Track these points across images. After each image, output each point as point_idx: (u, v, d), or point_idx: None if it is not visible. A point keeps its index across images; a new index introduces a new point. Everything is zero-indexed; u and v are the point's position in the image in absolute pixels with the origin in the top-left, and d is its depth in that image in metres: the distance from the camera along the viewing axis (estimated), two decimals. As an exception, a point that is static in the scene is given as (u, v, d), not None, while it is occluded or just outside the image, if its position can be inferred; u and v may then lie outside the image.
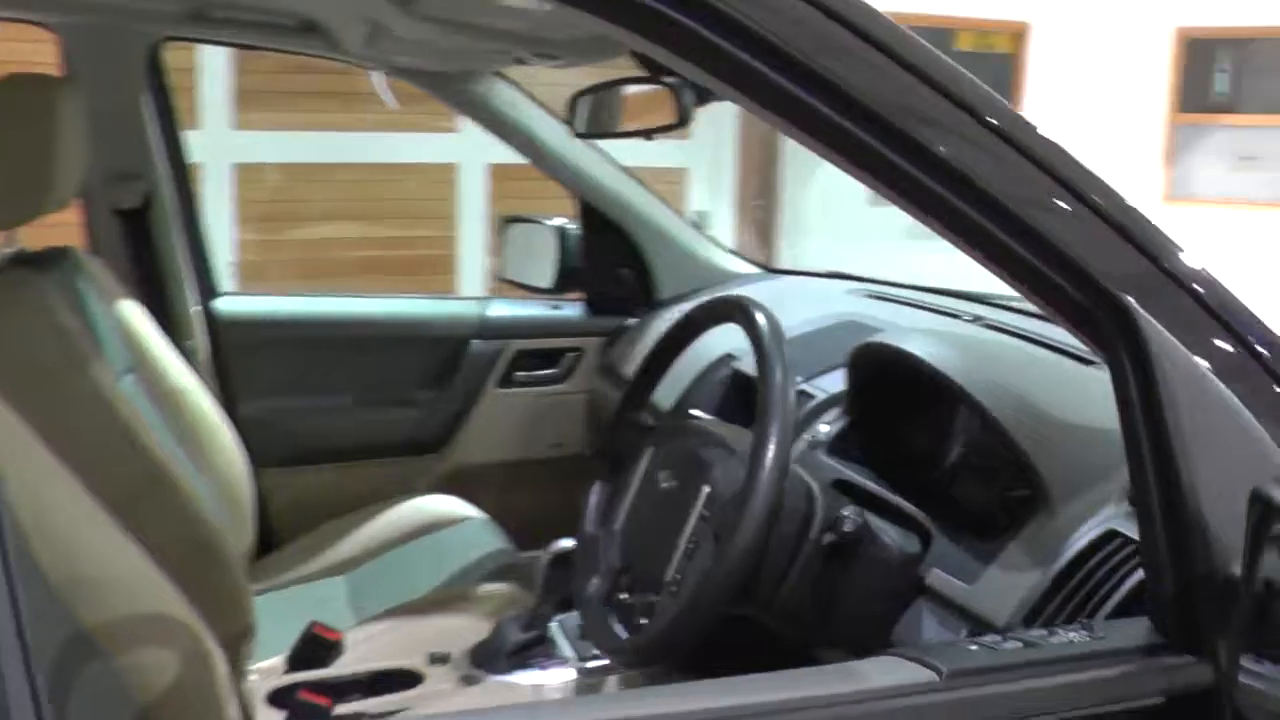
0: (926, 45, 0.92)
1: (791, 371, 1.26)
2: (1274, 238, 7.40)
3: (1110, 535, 1.15)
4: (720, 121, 6.30)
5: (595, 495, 1.54)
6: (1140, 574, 1.10)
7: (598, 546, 1.46)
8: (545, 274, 2.49)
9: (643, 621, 1.30)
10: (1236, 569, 0.92)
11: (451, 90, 2.20)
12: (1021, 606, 1.15)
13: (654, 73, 1.47)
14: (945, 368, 1.38)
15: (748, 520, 1.18)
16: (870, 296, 2.19)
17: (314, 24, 1.82)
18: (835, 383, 1.69)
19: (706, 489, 1.30)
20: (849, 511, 1.27)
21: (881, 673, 0.88)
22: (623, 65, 1.56)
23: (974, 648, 0.94)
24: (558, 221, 2.50)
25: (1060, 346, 1.60)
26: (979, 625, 1.20)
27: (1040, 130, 0.94)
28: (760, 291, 2.37)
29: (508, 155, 2.36)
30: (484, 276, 6.07)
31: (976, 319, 1.88)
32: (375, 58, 2.01)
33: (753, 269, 2.60)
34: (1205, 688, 0.92)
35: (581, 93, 1.72)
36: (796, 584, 1.27)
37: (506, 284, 2.61)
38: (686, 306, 1.59)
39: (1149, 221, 0.96)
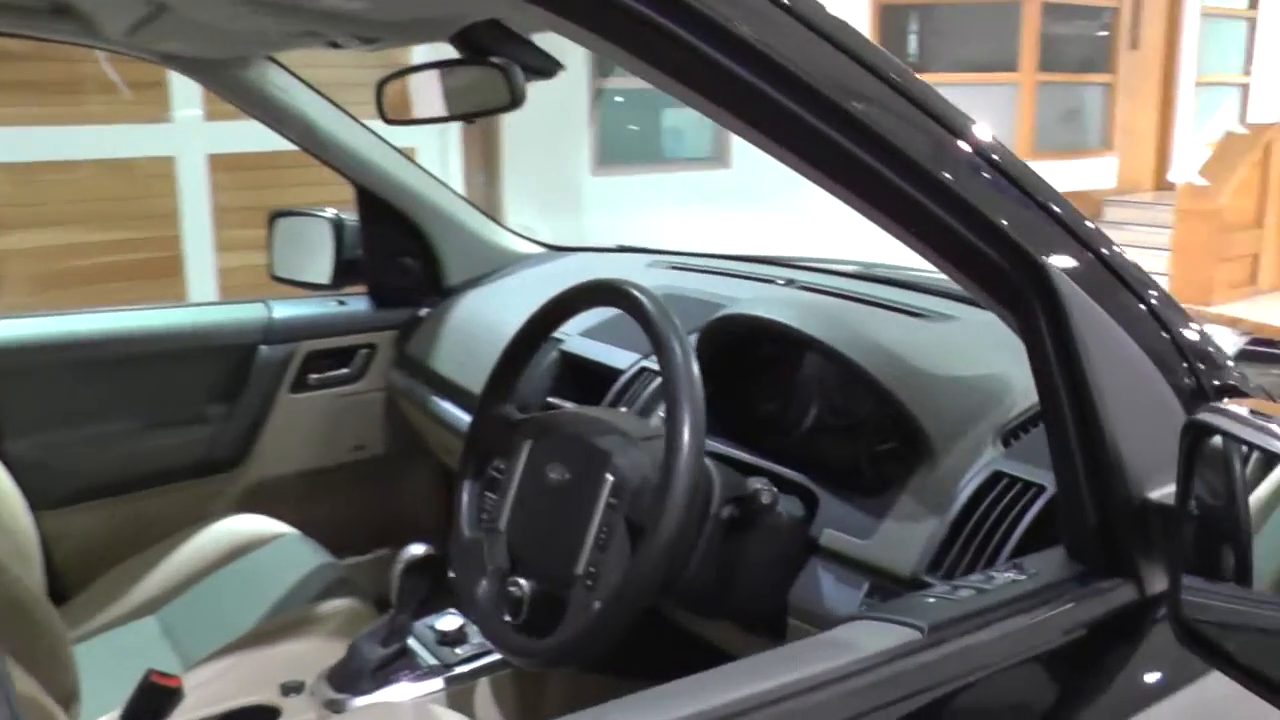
0: (851, 26, 0.92)
1: (690, 349, 1.25)
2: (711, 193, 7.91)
3: (997, 476, 1.21)
4: (444, 98, 6.16)
5: (466, 495, 1.47)
6: (1033, 510, 1.16)
7: (479, 549, 1.39)
8: (322, 269, 2.37)
9: (552, 620, 1.25)
10: (1154, 496, 0.98)
11: (220, 77, 2.03)
12: (925, 554, 1.19)
13: (478, 54, 1.41)
14: (814, 332, 1.40)
15: (671, 506, 1.15)
16: (674, 268, 2.20)
17: (67, 7, 1.63)
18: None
19: (610, 478, 1.25)
20: (759, 484, 1.27)
21: (868, 639, 0.88)
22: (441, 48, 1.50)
23: (932, 600, 0.97)
24: (330, 213, 2.39)
25: (886, 303, 1.67)
26: (881, 578, 1.22)
27: (957, 108, 0.97)
28: (563, 269, 2.35)
29: (227, 144, 2.22)
30: (216, 276, 5.72)
31: (790, 282, 1.93)
32: (138, 45, 1.83)
33: (539, 249, 2.57)
34: (1131, 609, 0.99)
35: (391, 76, 1.63)
36: (701, 563, 1.26)
37: (279, 283, 2.47)
38: (550, 293, 1.53)
39: (1052, 188, 1.01)
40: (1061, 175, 7.38)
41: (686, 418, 1.19)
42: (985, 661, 0.90)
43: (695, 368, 1.23)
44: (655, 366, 1.67)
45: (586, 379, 1.80)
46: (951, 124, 0.95)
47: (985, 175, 0.96)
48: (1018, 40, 9.61)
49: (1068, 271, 0.97)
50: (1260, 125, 10.03)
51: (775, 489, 1.28)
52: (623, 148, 8.04)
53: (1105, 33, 10.74)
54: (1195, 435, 0.90)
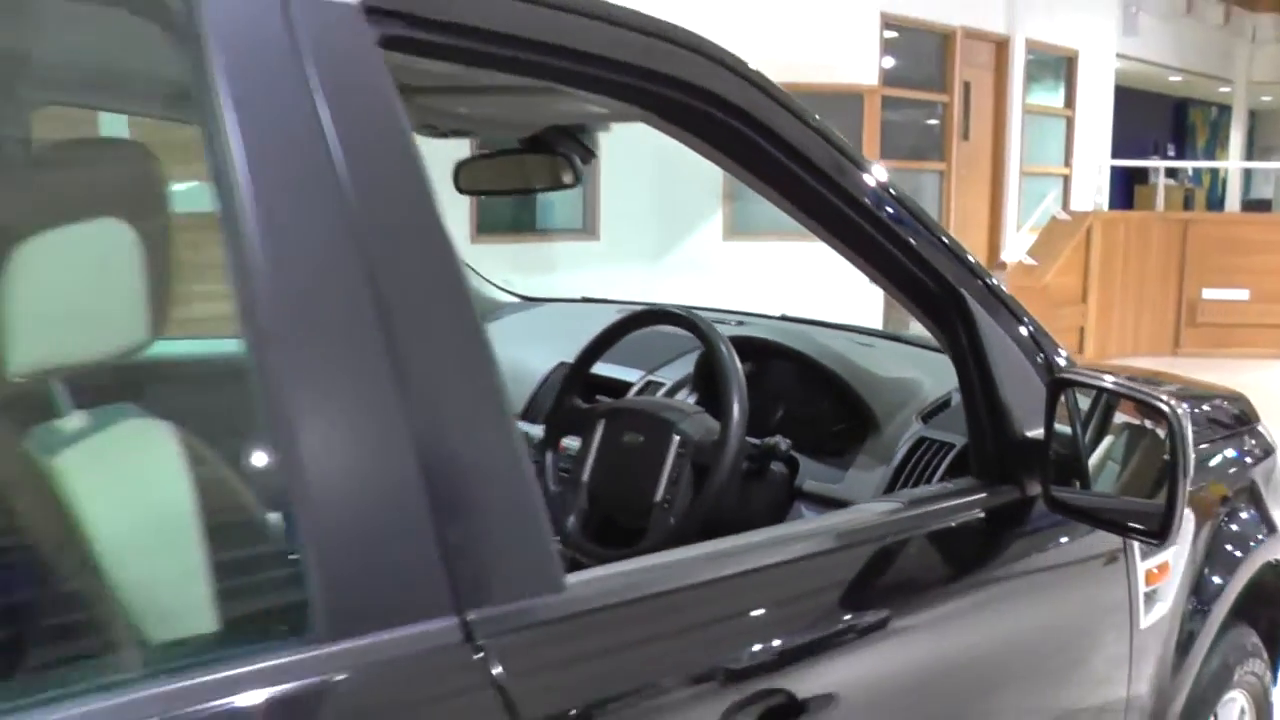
0: (837, 132, 1.50)
1: (733, 350, 1.80)
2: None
3: (921, 440, 1.79)
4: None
5: (549, 462, 1.99)
6: (946, 460, 1.75)
7: (563, 497, 1.91)
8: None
9: (627, 539, 1.77)
10: (1029, 434, 1.58)
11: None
12: (878, 490, 1.76)
13: (545, 148, 1.95)
14: (798, 348, 1.98)
15: (729, 450, 1.65)
16: None
17: None
18: (672, 373, 2.25)
19: (677, 436, 1.78)
20: (777, 439, 1.83)
21: (878, 509, 1.45)
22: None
23: (892, 498, 1.55)
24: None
25: (835, 326, 2.26)
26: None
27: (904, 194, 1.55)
28: (549, 316, 2.88)
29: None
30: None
31: (740, 323, 2.50)
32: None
33: (514, 298, 3.08)
34: (1016, 502, 1.57)
35: (471, 160, 2.14)
36: (728, 498, 1.80)
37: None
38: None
39: (959, 242, 1.61)
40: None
41: (735, 395, 1.73)
42: (926, 525, 1.46)
43: (738, 362, 1.78)
44: (660, 380, 2.22)
45: (594, 391, 2.33)
46: (899, 194, 1.53)
47: (920, 230, 1.51)
48: (861, 129, 10.47)
49: (973, 295, 1.57)
50: (1080, 212, 11.19)
51: (789, 446, 1.84)
52: (498, 219, 8.73)
53: (937, 121, 11.78)
54: (1054, 389, 1.49)
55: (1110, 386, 1.46)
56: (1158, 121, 19.73)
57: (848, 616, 1.24)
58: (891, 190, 1.47)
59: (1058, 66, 13.53)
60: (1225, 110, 19.62)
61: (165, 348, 1.25)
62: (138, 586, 0.92)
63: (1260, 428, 2.37)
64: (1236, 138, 19.00)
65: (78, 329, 1.02)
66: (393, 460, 0.90)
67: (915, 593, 1.36)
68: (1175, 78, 17.31)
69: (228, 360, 1.24)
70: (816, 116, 1.42)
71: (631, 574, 1.12)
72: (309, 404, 0.88)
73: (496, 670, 0.91)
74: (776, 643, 1.16)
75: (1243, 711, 2.22)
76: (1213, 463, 2.08)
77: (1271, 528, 2.17)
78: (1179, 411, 1.36)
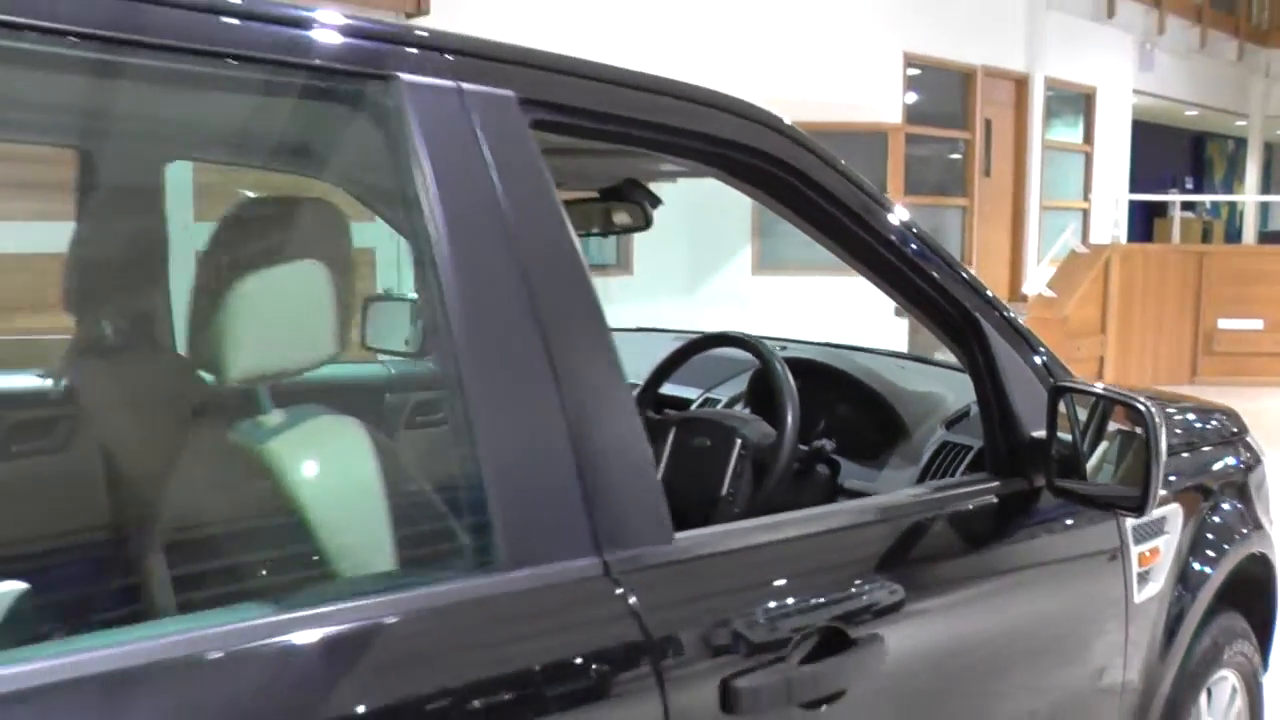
0: (870, 185, 1.81)
1: (787, 369, 2.11)
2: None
3: (944, 444, 2.10)
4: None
5: None
6: (966, 459, 2.05)
7: None
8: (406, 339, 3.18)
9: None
10: (1035, 434, 1.88)
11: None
12: (908, 485, 2.08)
13: (620, 196, 2.27)
14: (840, 367, 2.31)
15: (785, 451, 1.98)
16: None
17: None
18: (726, 391, 2.57)
19: (739, 440, 2.10)
20: (823, 442, 2.14)
21: (911, 492, 1.77)
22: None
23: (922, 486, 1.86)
24: (412, 295, 3.20)
25: (868, 350, 2.58)
26: None
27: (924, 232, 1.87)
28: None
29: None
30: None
31: (784, 348, 2.82)
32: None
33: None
34: (1024, 492, 1.86)
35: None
36: (781, 493, 2.11)
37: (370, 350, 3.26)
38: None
39: (975, 274, 1.92)
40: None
41: (789, 404, 2.04)
42: (950, 506, 1.77)
43: (791, 379, 2.09)
44: (716, 397, 2.54)
45: (660, 407, 2.65)
46: (923, 234, 1.84)
47: (941, 264, 1.82)
48: (885, 166, 10.81)
49: (986, 319, 1.88)
50: (1099, 245, 11.48)
51: (831, 444, 2.15)
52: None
53: (959, 156, 12.12)
54: (1054, 396, 1.80)
55: (1100, 392, 1.77)
56: (1176, 155, 20.00)
57: (886, 572, 1.55)
58: (915, 230, 1.79)
59: (1076, 103, 13.88)
60: (1242, 144, 19.87)
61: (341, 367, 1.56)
62: (366, 531, 1.25)
63: (1249, 438, 2.67)
64: (1252, 171, 19.24)
65: (281, 347, 1.35)
66: (551, 439, 1.22)
67: (941, 556, 1.67)
68: (1192, 112, 17.60)
69: (399, 373, 1.54)
70: (853, 170, 1.75)
71: (717, 535, 1.44)
72: (491, 397, 1.20)
73: (630, 599, 1.23)
74: (828, 590, 1.47)
75: (1234, 690, 2.50)
76: (1201, 465, 2.38)
77: (1257, 525, 2.46)
78: (1153, 409, 1.67)
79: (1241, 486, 2.47)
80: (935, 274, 1.78)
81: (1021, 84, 12.60)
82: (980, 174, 12.14)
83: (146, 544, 1.42)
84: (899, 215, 1.79)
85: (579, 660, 1.17)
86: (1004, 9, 12.13)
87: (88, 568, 1.53)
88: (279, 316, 1.34)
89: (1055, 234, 12.80)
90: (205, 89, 1.28)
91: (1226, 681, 2.46)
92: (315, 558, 1.23)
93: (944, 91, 11.84)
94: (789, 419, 2.01)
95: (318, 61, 1.19)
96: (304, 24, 1.18)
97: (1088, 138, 13.99)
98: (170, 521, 1.44)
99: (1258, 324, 10.72)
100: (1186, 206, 16.48)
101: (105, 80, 1.27)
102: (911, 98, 11.11)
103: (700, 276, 9.90)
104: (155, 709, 0.95)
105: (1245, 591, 2.48)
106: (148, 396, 1.70)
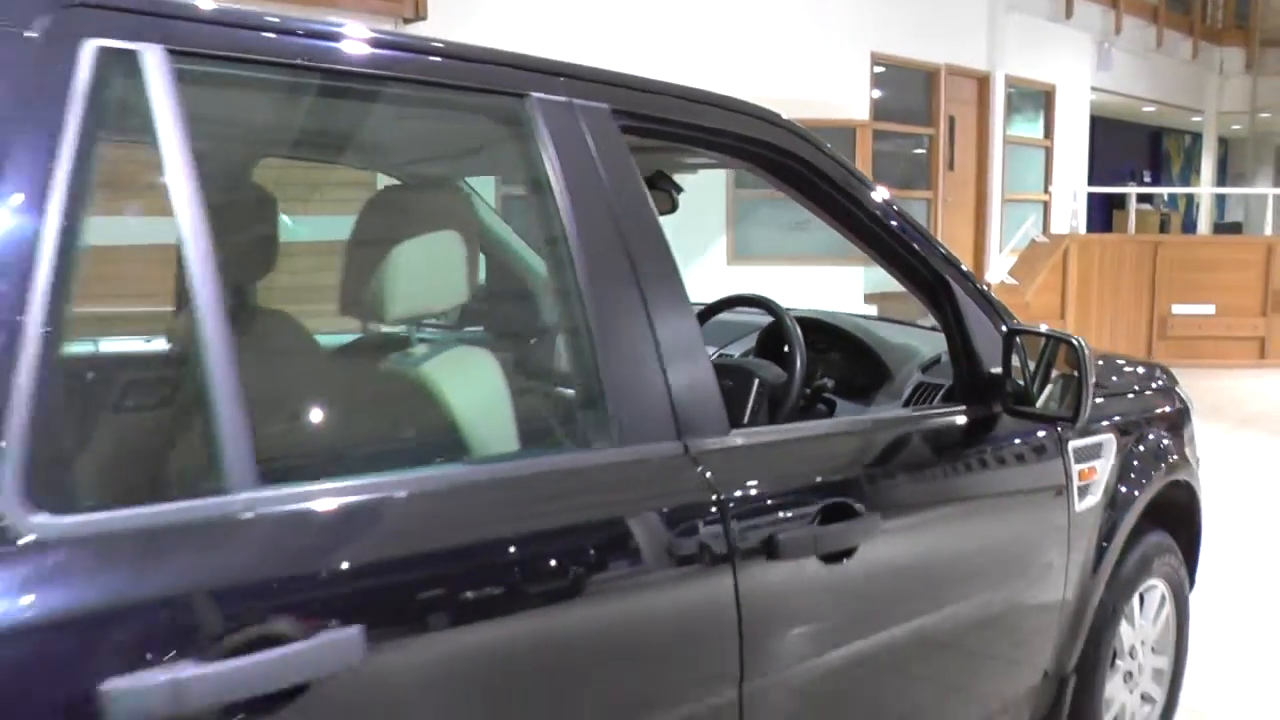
0: (868, 179, 2.27)
1: (796, 324, 2.55)
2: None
3: (921, 384, 2.54)
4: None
5: None
6: (939, 395, 2.51)
7: None
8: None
9: None
10: (994, 370, 2.34)
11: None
12: None
13: (650, 185, 2.71)
14: (837, 324, 2.77)
15: (794, 387, 2.41)
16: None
17: None
18: (737, 348, 3.02)
19: (757, 380, 2.53)
20: (825, 380, 2.59)
21: (900, 412, 2.23)
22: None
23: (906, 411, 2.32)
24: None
25: (859, 316, 3.03)
26: None
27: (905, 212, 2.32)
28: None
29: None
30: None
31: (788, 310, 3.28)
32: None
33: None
34: (986, 415, 2.31)
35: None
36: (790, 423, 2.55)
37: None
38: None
39: (946, 246, 2.38)
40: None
41: (797, 350, 2.47)
42: (930, 422, 2.22)
43: (799, 330, 2.54)
44: (728, 353, 2.99)
45: None
46: (906, 216, 2.30)
47: (919, 239, 2.28)
48: (854, 160, 11.27)
49: (954, 280, 2.33)
50: (1059, 235, 12.04)
51: (830, 383, 2.60)
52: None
53: (924, 151, 12.62)
54: (1008, 338, 2.26)
55: (1044, 332, 2.23)
56: (1135, 149, 20.65)
57: (882, 465, 2.01)
58: (902, 215, 2.25)
59: (1036, 100, 14.43)
60: (1198, 138, 20.53)
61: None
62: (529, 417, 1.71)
63: (1178, 389, 3.14)
64: (1208, 164, 19.91)
65: (427, 294, 1.78)
66: (647, 358, 1.67)
67: (924, 457, 2.12)
68: (1149, 108, 18.22)
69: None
70: (856, 168, 2.21)
71: (758, 433, 1.90)
72: (607, 327, 1.64)
73: (706, 473, 1.67)
74: (841, 473, 1.93)
75: (1163, 598, 2.97)
76: (1134, 406, 2.84)
77: (1181, 458, 2.93)
78: (1083, 342, 2.13)
79: (1168, 426, 2.93)
80: (916, 246, 2.23)
81: (983, 82, 13.14)
82: (944, 168, 12.65)
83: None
84: (890, 204, 2.24)
85: (670, 510, 1.62)
86: (966, 10, 12.65)
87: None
88: (422, 273, 1.78)
89: (1017, 225, 13.34)
90: (430, 112, 1.75)
91: (1157, 590, 2.93)
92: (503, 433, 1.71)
93: (909, 89, 12.34)
94: (797, 362, 2.46)
95: (487, 85, 1.65)
96: (476, 58, 1.63)
97: (1048, 133, 14.54)
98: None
99: (1209, 309, 11.31)
100: (1144, 199, 17.07)
101: (379, 105, 1.79)
102: (878, 95, 11.60)
103: (680, 265, 10.33)
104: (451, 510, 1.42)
105: (1172, 514, 2.95)
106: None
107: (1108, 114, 17.05)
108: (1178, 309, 11.28)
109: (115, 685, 1.04)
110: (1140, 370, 3.06)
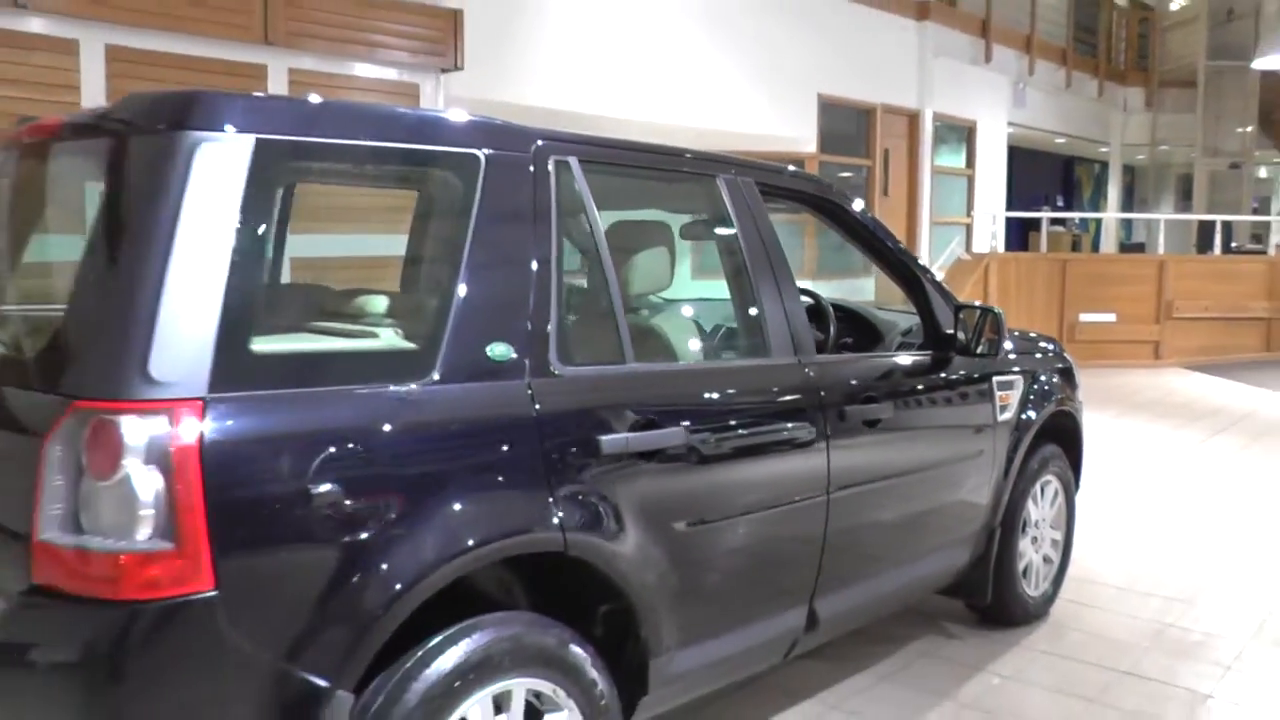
0: (875, 218, 3.74)
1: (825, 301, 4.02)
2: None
3: (902, 344, 4.02)
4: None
5: None
6: (915, 347, 3.99)
7: None
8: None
9: None
10: (948, 332, 3.80)
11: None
12: None
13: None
14: (846, 304, 4.24)
15: (831, 339, 3.76)
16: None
17: None
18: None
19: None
20: (847, 340, 4.03)
21: (890, 352, 3.71)
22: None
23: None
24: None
25: (854, 304, 4.51)
26: None
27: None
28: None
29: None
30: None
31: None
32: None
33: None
34: (944, 356, 3.79)
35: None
36: None
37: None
38: None
39: (917, 258, 3.83)
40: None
41: (832, 322, 3.88)
42: (914, 361, 3.68)
43: (831, 308, 4.01)
44: None
45: None
46: (896, 240, 3.76)
47: (904, 253, 3.74)
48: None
49: (924, 279, 3.79)
50: (981, 254, 13.67)
51: (849, 341, 4.05)
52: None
53: (862, 180, 14.13)
54: (955, 311, 3.70)
55: (977, 305, 3.70)
56: (1049, 177, 22.47)
57: (886, 380, 3.46)
58: (894, 239, 3.72)
59: (960, 134, 16.14)
60: (1106, 167, 22.43)
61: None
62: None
63: (1065, 353, 4.65)
64: (1114, 191, 21.81)
65: (649, 281, 3.20)
66: (780, 312, 3.08)
67: (908, 374, 3.58)
68: (1060, 140, 20.05)
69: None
70: (867, 213, 3.69)
71: (829, 358, 3.35)
72: (763, 295, 3.06)
73: (811, 375, 3.09)
74: (871, 380, 3.37)
75: (1056, 491, 4.46)
76: (1035, 360, 4.32)
77: (1067, 396, 4.43)
78: (1000, 311, 3.63)
79: (1058, 375, 4.42)
80: (902, 258, 3.71)
81: (913, 119, 14.82)
82: (880, 194, 14.27)
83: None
84: (889, 234, 3.72)
85: (793, 393, 3.06)
86: (899, 57, 14.32)
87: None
88: (648, 269, 3.17)
89: (944, 244, 14.98)
90: (679, 186, 3.21)
91: (1052, 484, 4.41)
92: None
93: (850, 126, 13.96)
94: (831, 328, 3.89)
95: (702, 171, 3.07)
96: (698, 157, 3.07)
97: (970, 163, 16.26)
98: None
99: (1111, 317, 13.00)
100: (1057, 222, 18.82)
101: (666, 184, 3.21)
102: (825, 131, 13.17)
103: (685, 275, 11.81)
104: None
105: (1061, 434, 4.46)
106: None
107: (1024, 145, 18.81)
108: (1084, 317, 12.94)
109: (604, 438, 2.45)
110: (1040, 340, 4.57)
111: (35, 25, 6.08)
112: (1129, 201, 23.31)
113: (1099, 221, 21.41)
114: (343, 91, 7.44)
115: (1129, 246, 20.58)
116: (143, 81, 6.39)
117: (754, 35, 11.95)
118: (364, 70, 7.60)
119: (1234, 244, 17.21)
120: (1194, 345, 13.29)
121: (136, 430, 1.76)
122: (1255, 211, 21.23)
